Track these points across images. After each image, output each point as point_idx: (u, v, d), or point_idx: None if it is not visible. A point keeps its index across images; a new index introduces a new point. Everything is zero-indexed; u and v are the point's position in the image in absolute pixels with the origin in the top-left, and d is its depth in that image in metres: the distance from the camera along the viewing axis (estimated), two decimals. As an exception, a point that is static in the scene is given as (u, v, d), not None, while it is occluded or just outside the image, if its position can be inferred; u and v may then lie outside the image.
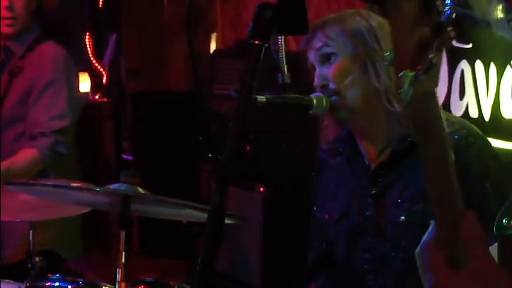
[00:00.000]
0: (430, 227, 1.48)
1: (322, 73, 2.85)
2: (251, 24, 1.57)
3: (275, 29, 1.57)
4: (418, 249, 1.45)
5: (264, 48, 1.54)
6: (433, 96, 1.39)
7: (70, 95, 4.21)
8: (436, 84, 1.42)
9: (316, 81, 2.86)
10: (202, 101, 5.23)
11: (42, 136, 4.05)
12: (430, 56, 1.34)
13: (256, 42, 1.54)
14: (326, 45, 2.84)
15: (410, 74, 1.34)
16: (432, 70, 1.35)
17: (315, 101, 2.78)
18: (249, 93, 1.56)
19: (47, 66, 4.20)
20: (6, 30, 4.17)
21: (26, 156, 4.03)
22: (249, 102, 1.55)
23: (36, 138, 4.06)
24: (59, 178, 4.01)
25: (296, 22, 1.58)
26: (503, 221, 1.53)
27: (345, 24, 2.84)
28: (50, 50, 4.26)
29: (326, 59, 2.85)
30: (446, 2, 1.33)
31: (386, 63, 1.36)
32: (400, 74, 1.36)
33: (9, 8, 4.14)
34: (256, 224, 4.89)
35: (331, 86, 2.82)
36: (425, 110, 1.38)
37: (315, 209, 3.14)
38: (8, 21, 4.16)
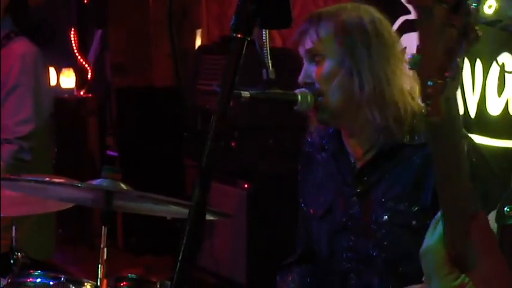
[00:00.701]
0: (431, 229, 1.43)
1: (309, 71, 2.85)
2: (233, 17, 1.51)
3: (258, 23, 1.51)
4: (421, 250, 1.41)
5: (246, 42, 1.49)
6: (455, 101, 1.35)
7: (37, 97, 4.17)
8: (457, 88, 1.38)
9: (301, 77, 2.86)
10: (185, 97, 5.25)
11: (7, 143, 4.03)
12: (458, 61, 1.30)
13: (239, 35, 1.50)
14: (316, 46, 2.83)
15: (440, 82, 1.29)
16: (459, 75, 1.31)
17: (299, 97, 2.78)
18: (231, 88, 1.51)
19: (14, 68, 4.15)
20: None
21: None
22: (231, 97, 1.51)
23: (3, 144, 4.03)
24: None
25: (280, 16, 1.54)
26: (505, 209, 1.52)
27: (339, 22, 2.82)
28: (19, 50, 4.22)
29: (314, 58, 2.84)
30: (473, 2, 1.29)
31: (408, 66, 1.32)
32: (429, 83, 1.29)
33: None
34: (241, 220, 4.89)
35: (316, 85, 2.82)
36: (447, 115, 1.33)
37: (300, 200, 3.14)
38: None
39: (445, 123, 1.33)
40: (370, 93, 2.76)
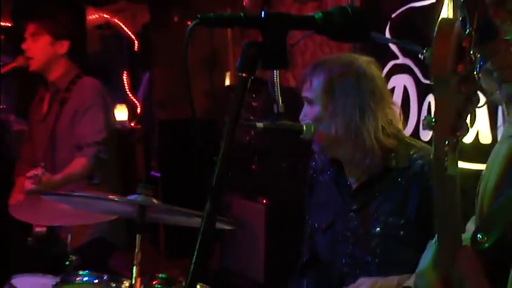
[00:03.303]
0: (426, 251, 1.42)
1: (306, 111, 2.86)
2: (239, 59, 1.50)
3: (259, 64, 1.49)
4: (417, 271, 1.40)
5: (249, 80, 1.48)
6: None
7: (106, 114, 4.29)
8: None
9: (301, 116, 2.89)
10: (216, 128, 5.26)
11: (88, 146, 4.10)
12: (467, 121, 1.30)
13: (243, 75, 1.48)
14: (308, 93, 2.84)
15: (455, 140, 1.29)
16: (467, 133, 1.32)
17: (304, 128, 2.81)
18: (236, 118, 1.50)
19: (87, 95, 4.24)
20: (31, 65, 4.26)
21: (78, 164, 4.08)
22: (236, 127, 1.50)
23: (83, 149, 4.11)
24: (101, 184, 4.14)
25: (278, 58, 1.52)
26: (478, 236, 1.48)
27: (326, 76, 2.82)
28: (89, 83, 4.31)
29: (308, 102, 2.86)
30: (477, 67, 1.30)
31: (423, 128, 1.36)
32: (446, 143, 1.30)
33: (27, 48, 4.23)
34: (261, 230, 4.89)
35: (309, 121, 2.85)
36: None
37: (307, 217, 3.11)
38: (29, 60, 4.24)
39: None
40: (344, 134, 2.78)
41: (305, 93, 2.84)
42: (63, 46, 4.24)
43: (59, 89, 4.27)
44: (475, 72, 1.30)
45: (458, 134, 1.30)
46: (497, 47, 1.38)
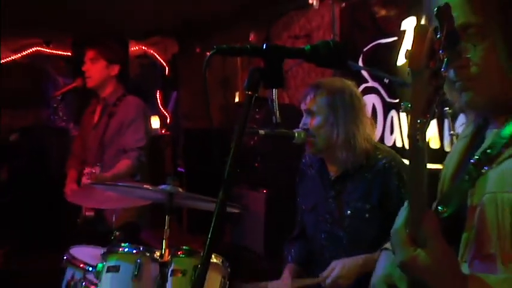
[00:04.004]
0: (399, 216, 1.41)
1: (306, 121, 2.86)
2: (246, 80, 1.50)
3: (262, 84, 1.49)
4: (392, 230, 1.39)
5: (254, 97, 1.48)
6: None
7: (146, 125, 4.29)
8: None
9: (301, 124, 2.87)
10: (228, 135, 5.24)
11: (132, 151, 4.11)
12: (434, 107, 1.31)
13: (249, 93, 1.47)
14: (311, 105, 2.84)
15: (425, 120, 1.30)
16: (434, 116, 1.34)
17: (296, 134, 2.83)
18: (243, 127, 1.50)
19: (131, 110, 4.23)
20: (88, 83, 4.26)
21: (124, 165, 4.09)
22: (243, 134, 1.50)
23: (128, 153, 4.12)
24: (141, 180, 4.14)
25: (276, 80, 1.51)
26: (439, 208, 1.48)
27: (329, 93, 2.84)
28: (132, 100, 4.30)
29: (310, 113, 2.85)
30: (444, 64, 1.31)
31: (401, 111, 1.34)
32: (418, 121, 1.30)
33: (86, 69, 4.23)
34: (261, 213, 4.89)
35: (311, 131, 2.84)
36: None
37: (298, 200, 3.12)
38: (87, 78, 4.24)
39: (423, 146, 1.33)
40: (343, 139, 2.80)
41: (308, 107, 2.85)
42: (115, 69, 4.25)
43: (108, 103, 4.26)
44: (442, 69, 1.30)
45: (428, 116, 1.30)
46: (459, 52, 1.38)
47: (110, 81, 4.25)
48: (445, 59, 1.30)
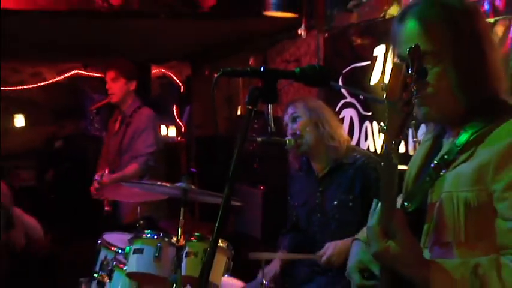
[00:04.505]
0: (371, 215, 1.42)
1: (293, 128, 2.88)
2: (247, 97, 1.50)
3: (260, 100, 1.49)
4: (367, 227, 1.41)
5: (253, 111, 1.48)
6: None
7: (156, 134, 4.21)
8: None
9: (289, 132, 2.90)
10: (232, 142, 5.23)
11: (141, 156, 4.05)
12: (405, 129, 1.34)
13: (250, 107, 1.48)
14: (295, 112, 2.88)
15: (398, 141, 1.32)
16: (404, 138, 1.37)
17: (287, 141, 2.87)
18: (245, 135, 1.51)
19: (142, 121, 4.16)
20: (111, 98, 4.22)
21: (132, 168, 4.03)
22: (245, 141, 1.50)
23: (138, 157, 4.06)
24: (152, 179, 4.02)
25: (271, 97, 1.52)
26: (405, 203, 1.48)
27: (306, 103, 2.91)
28: (145, 111, 4.22)
29: (294, 119, 2.87)
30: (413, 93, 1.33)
31: (379, 132, 1.37)
32: (393, 142, 1.32)
33: (109, 87, 4.17)
34: (259, 206, 4.84)
35: (298, 133, 2.85)
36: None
37: (289, 197, 3.12)
38: (110, 94, 4.20)
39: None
40: (327, 133, 2.83)
41: (291, 114, 2.88)
42: (133, 85, 4.20)
43: (126, 115, 4.21)
44: (413, 99, 1.31)
45: (400, 137, 1.31)
46: (426, 84, 1.39)
47: (129, 96, 4.19)
48: (415, 90, 1.31)
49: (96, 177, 4.03)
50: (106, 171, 4.05)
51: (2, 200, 3.14)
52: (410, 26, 1.46)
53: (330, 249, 2.71)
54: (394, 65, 1.35)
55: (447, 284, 1.30)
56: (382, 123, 1.33)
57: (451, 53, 1.42)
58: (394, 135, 1.31)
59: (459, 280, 1.30)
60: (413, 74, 1.31)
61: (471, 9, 1.48)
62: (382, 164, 1.34)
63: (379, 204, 1.35)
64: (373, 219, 1.37)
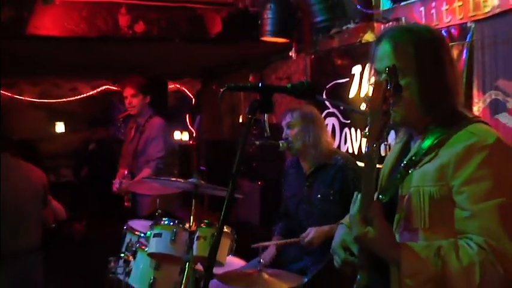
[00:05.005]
0: (352, 205, 1.39)
1: (287, 133, 2.85)
2: (247, 107, 1.49)
3: (258, 110, 1.48)
4: (349, 215, 1.38)
5: (252, 119, 1.47)
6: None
7: (165, 141, 4.10)
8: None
9: (284, 135, 2.87)
10: (234, 145, 5.22)
11: (153, 161, 3.97)
12: (384, 134, 1.32)
13: (250, 116, 1.47)
14: (291, 120, 2.84)
15: (379, 143, 1.31)
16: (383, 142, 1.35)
17: (280, 144, 2.83)
18: (245, 139, 1.48)
19: (154, 129, 4.07)
20: (130, 111, 4.13)
21: (146, 172, 3.93)
22: (246, 145, 1.48)
23: (149, 162, 3.98)
24: (167, 176, 3.91)
25: (268, 107, 1.50)
26: (380, 196, 1.47)
27: (301, 112, 2.86)
28: (158, 121, 4.13)
29: (289, 127, 2.85)
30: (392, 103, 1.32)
31: (362, 136, 1.35)
32: (375, 146, 1.30)
33: (129, 102, 4.09)
34: (257, 199, 4.82)
35: (290, 139, 2.83)
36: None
37: (283, 190, 3.09)
38: (130, 107, 4.11)
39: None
40: (313, 141, 2.79)
41: (288, 122, 2.84)
42: (148, 98, 4.13)
43: (140, 124, 4.13)
44: (390, 109, 1.30)
45: (380, 141, 1.30)
46: (401, 98, 1.37)
47: (145, 108, 4.12)
48: (392, 102, 1.30)
49: (117, 180, 3.99)
50: (126, 172, 4.00)
51: (40, 182, 3.11)
52: (384, 46, 1.47)
53: (311, 233, 2.71)
54: (376, 82, 1.34)
55: (414, 262, 1.29)
56: (366, 129, 1.31)
57: (414, 70, 1.41)
58: (375, 138, 1.30)
59: (424, 259, 1.29)
60: (391, 89, 1.30)
61: (435, 35, 1.49)
62: (364, 162, 1.33)
63: (359, 196, 1.34)
64: (354, 209, 1.36)
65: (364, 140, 1.34)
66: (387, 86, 1.30)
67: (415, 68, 1.41)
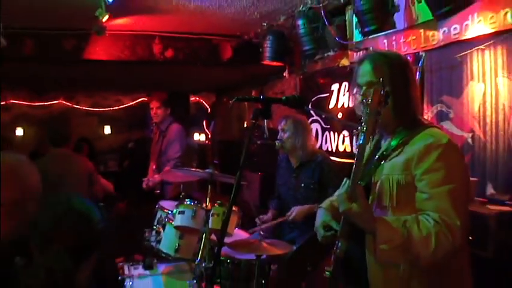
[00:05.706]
0: (341, 187, 1.39)
1: (280, 135, 2.84)
2: (251, 114, 1.48)
3: (260, 117, 1.46)
4: (337, 194, 1.38)
5: (255, 124, 1.46)
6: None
7: (181, 144, 3.94)
8: None
9: (279, 137, 2.84)
10: (240, 144, 5.17)
11: (172, 160, 3.86)
12: (376, 130, 1.29)
13: (253, 121, 1.45)
14: (284, 125, 2.82)
15: (372, 138, 1.33)
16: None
17: (276, 144, 2.79)
18: (249, 141, 1.47)
19: (172, 134, 3.94)
20: (155, 119, 4.01)
21: (167, 169, 3.80)
22: (250, 145, 1.46)
23: (169, 161, 3.87)
24: (188, 167, 3.79)
25: (267, 115, 1.49)
26: (359, 182, 1.43)
27: (293, 120, 2.83)
28: (176, 127, 3.99)
29: (283, 130, 2.82)
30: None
31: (359, 132, 1.31)
32: (371, 137, 1.29)
33: (155, 113, 3.97)
34: (257, 185, 4.76)
35: (283, 140, 2.81)
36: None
37: (276, 179, 3.06)
38: (155, 116, 3.99)
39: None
40: (301, 144, 2.77)
41: (282, 127, 2.82)
42: (169, 110, 4.03)
43: (162, 129, 4.02)
44: (381, 111, 1.30)
45: (374, 134, 1.30)
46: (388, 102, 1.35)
47: (166, 117, 4.03)
48: (384, 105, 1.30)
49: (146, 179, 3.90)
50: (154, 167, 3.92)
51: (84, 167, 3.12)
52: (365, 65, 1.48)
53: (294, 211, 2.71)
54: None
55: (388, 231, 1.30)
56: (362, 126, 1.29)
57: (388, 85, 1.41)
58: (371, 133, 1.29)
59: (395, 229, 1.31)
60: (384, 94, 1.31)
61: (404, 60, 1.51)
62: (357, 151, 1.31)
63: (348, 181, 1.33)
64: (342, 189, 1.37)
65: (357, 135, 1.32)
66: (381, 92, 1.30)
67: (389, 83, 1.41)
